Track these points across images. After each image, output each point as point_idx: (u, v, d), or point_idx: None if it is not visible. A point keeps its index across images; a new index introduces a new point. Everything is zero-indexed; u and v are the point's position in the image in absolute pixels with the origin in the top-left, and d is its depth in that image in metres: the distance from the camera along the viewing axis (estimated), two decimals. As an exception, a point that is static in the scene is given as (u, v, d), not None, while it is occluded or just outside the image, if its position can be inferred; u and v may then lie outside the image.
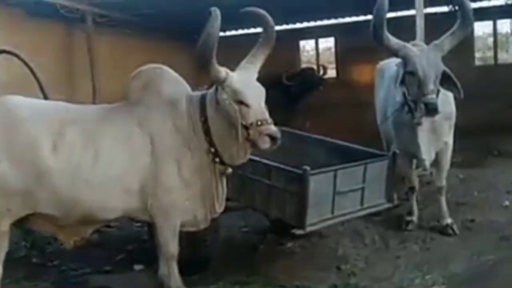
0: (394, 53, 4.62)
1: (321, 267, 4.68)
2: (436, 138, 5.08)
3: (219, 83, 3.62)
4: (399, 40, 4.59)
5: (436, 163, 5.30)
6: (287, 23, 12.22)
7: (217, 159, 3.82)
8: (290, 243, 5.26)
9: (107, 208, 3.74)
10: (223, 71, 3.60)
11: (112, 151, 3.69)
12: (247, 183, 4.37)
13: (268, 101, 9.98)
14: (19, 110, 3.59)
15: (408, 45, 4.62)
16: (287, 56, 12.03)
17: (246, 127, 3.57)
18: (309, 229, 4.05)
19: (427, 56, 4.50)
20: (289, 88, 9.83)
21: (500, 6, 10.46)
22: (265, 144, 3.55)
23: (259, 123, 3.55)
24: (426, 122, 4.78)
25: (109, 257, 5.26)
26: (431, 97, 4.40)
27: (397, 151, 4.64)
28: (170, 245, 3.94)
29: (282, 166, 4.15)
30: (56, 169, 3.55)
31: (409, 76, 4.56)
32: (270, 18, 3.87)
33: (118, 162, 3.69)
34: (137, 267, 4.94)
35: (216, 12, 3.46)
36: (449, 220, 5.32)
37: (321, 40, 12.76)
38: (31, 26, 8.46)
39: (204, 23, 3.49)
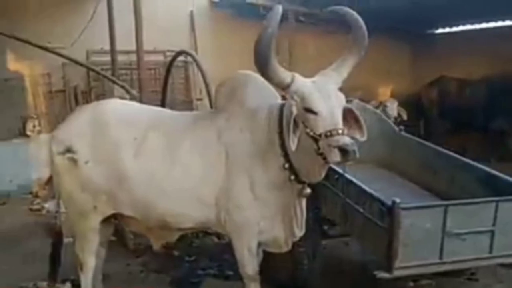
0: None
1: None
2: None
3: (283, 88, 3.23)
4: None
5: None
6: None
7: (292, 177, 3.44)
8: (425, 280, 4.50)
9: (181, 217, 3.68)
10: (288, 74, 3.20)
11: (188, 160, 3.60)
12: (348, 209, 3.84)
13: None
14: (107, 114, 3.72)
15: None
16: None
17: (315, 139, 3.12)
18: (398, 273, 3.37)
19: None
20: None
21: None
22: (335, 157, 3.02)
23: (328, 134, 3.05)
24: None
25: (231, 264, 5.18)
26: None
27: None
28: (246, 265, 3.70)
29: (374, 193, 3.53)
30: (134, 173, 3.61)
31: None
32: (358, 18, 3.32)
33: (193, 172, 3.58)
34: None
35: (278, 7, 3.08)
36: None
37: None
38: (236, 26, 8.96)
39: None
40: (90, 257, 3.90)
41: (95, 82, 8.37)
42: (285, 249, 3.75)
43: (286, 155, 3.41)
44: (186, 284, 4.82)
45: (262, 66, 3.14)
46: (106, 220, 3.87)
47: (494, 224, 3.47)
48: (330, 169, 3.95)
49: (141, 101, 6.07)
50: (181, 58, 9.05)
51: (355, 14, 3.34)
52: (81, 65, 6.98)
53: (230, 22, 9.12)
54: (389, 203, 3.33)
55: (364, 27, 3.34)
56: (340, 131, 3.05)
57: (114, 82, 6.88)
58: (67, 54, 7.17)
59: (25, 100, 8.21)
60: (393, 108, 7.79)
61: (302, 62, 9.17)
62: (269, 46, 3.09)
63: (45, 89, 8.31)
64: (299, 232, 3.64)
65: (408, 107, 10.04)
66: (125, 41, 6.94)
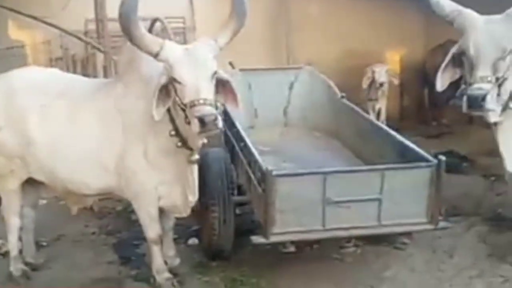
0: (449, 21, 3.41)
1: (343, 286, 3.87)
2: None
3: (153, 57, 3.23)
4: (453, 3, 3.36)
5: None
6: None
7: (179, 143, 3.49)
8: (352, 248, 4.49)
9: (81, 184, 3.82)
10: (156, 42, 3.20)
11: (88, 128, 3.71)
12: (247, 175, 3.86)
13: None
14: (17, 82, 3.88)
15: (468, 11, 3.32)
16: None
17: (183, 109, 3.17)
18: (274, 239, 3.38)
19: (490, 30, 3.18)
20: None
21: None
22: (195, 128, 3.09)
23: (191, 104, 3.09)
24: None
25: (184, 228, 5.15)
26: (478, 87, 3.12)
27: (442, 158, 3.43)
28: (148, 229, 3.84)
29: (260, 160, 3.51)
30: (39, 139, 3.76)
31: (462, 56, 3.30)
32: None
33: (92, 140, 3.70)
34: (191, 241, 4.91)
35: None
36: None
37: None
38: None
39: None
40: (14, 217, 4.11)
41: (92, 50, 8.55)
42: (184, 214, 3.86)
43: (173, 122, 3.46)
44: (126, 246, 4.98)
45: (127, 33, 3.15)
46: (30, 184, 4.08)
47: (381, 193, 3.41)
48: (237, 134, 3.99)
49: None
50: (179, 25, 9.17)
51: None
52: (63, 31, 7.15)
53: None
54: (264, 169, 3.33)
55: None
56: (201, 101, 3.06)
57: (98, 49, 7.12)
58: (62, 23, 7.39)
59: (27, 68, 8.52)
60: (382, 73, 7.53)
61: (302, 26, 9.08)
62: (132, 13, 3.08)
63: (46, 56, 8.58)
64: (193, 198, 3.71)
65: (415, 75, 9.69)
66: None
